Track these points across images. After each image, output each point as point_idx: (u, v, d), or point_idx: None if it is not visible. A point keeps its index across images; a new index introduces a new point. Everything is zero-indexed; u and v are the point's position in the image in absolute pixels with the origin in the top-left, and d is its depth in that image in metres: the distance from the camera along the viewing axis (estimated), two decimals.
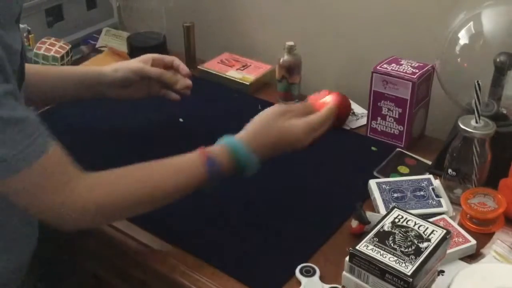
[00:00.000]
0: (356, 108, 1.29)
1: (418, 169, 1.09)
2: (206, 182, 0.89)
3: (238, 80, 1.39)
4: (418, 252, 0.78)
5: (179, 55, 1.52)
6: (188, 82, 1.16)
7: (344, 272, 0.81)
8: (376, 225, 0.83)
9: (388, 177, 1.06)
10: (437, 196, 0.99)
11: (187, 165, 0.90)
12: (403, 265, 0.76)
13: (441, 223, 0.92)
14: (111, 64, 1.15)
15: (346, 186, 1.06)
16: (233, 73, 1.41)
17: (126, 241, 0.95)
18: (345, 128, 1.23)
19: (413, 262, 0.76)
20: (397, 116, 1.14)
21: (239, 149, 0.92)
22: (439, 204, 0.97)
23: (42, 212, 0.81)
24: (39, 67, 1.22)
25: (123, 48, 1.54)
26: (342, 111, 1.22)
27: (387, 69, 1.12)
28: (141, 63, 1.13)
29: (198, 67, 1.45)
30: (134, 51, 1.52)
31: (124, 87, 1.13)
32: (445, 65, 1.09)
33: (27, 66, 1.07)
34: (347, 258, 0.80)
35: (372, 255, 0.77)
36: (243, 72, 1.41)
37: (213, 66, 1.44)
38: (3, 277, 0.93)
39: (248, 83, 1.37)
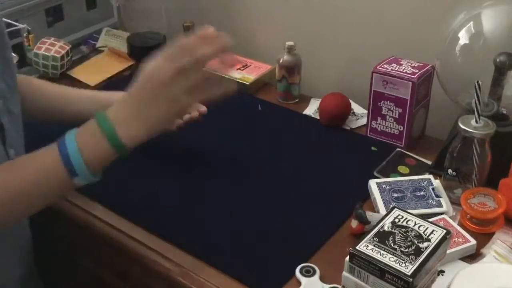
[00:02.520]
0: (356, 108, 1.29)
1: (418, 169, 1.09)
2: (64, 166, 0.78)
3: (238, 80, 1.38)
4: (418, 252, 0.78)
5: None
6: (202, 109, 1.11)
7: (344, 272, 0.81)
8: (376, 225, 0.83)
9: (388, 177, 1.06)
10: (437, 196, 0.99)
11: (41, 154, 0.81)
12: (403, 265, 0.76)
13: (441, 223, 0.92)
14: None
15: (346, 186, 1.06)
16: (233, 73, 1.41)
17: (126, 241, 0.95)
18: (345, 128, 1.24)
19: (413, 262, 0.76)
20: (397, 116, 1.14)
21: (100, 118, 0.79)
22: (439, 204, 0.97)
23: None
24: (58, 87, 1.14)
25: (123, 48, 1.54)
26: (342, 111, 1.23)
27: (387, 69, 1.12)
28: None
29: None
30: (134, 51, 1.52)
31: None
32: (445, 65, 1.09)
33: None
34: (347, 258, 0.80)
35: (372, 255, 0.77)
36: (243, 72, 1.41)
37: (213, 66, 1.44)
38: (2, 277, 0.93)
39: (248, 83, 1.37)
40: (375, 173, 1.08)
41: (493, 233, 0.94)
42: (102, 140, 0.78)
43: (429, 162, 1.10)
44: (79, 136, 0.79)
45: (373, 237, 0.80)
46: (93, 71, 1.45)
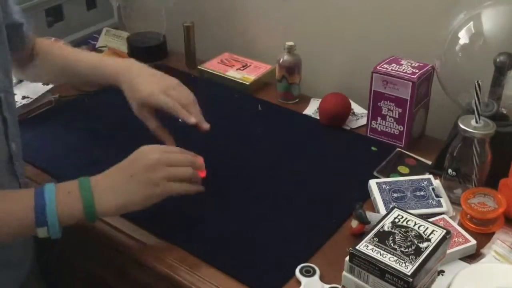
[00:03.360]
0: (356, 108, 1.29)
1: (418, 169, 1.09)
2: (35, 216, 0.80)
3: (238, 80, 1.39)
4: (418, 252, 0.78)
5: (179, 55, 1.53)
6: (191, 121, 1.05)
7: (344, 272, 0.81)
8: (376, 225, 0.83)
9: (388, 177, 1.06)
10: (437, 196, 0.99)
11: (15, 196, 0.84)
12: (403, 265, 0.76)
13: (441, 223, 0.92)
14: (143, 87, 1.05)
15: (346, 186, 1.06)
16: (233, 73, 1.41)
17: (126, 241, 0.95)
18: (345, 128, 1.24)
19: (413, 262, 0.76)
20: (397, 116, 1.14)
21: (83, 181, 0.85)
22: (439, 204, 0.97)
23: None
24: (61, 52, 1.17)
25: (123, 48, 1.55)
26: (342, 111, 1.23)
27: (387, 69, 1.12)
28: (154, 93, 1.03)
29: (198, 67, 1.45)
30: (134, 51, 1.53)
31: None
32: (445, 65, 1.09)
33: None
34: (347, 258, 0.80)
35: (372, 255, 0.77)
36: (243, 72, 1.41)
37: (213, 66, 1.44)
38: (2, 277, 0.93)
39: (248, 83, 1.37)
40: (375, 173, 1.08)
41: (493, 233, 0.94)
42: (77, 201, 0.83)
43: (429, 162, 1.10)
44: (58, 191, 0.83)
45: (373, 237, 0.80)
46: None
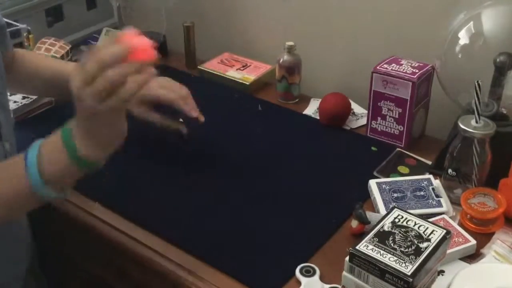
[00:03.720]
0: (356, 108, 1.29)
1: (418, 169, 1.09)
2: (28, 178, 0.76)
3: (238, 80, 1.39)
4: (418, 252, 0.78)
5: (179, 55, 1.53)
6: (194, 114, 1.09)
7: (344, 272, 0.81)
8: (376, 225, 0.83)
9: (388, 177, 1.06)
10: (437, 196, 0.99)
11: (7, 163, 0.81)
12: (403, 265, 0.76)
13: (441, 223, 0.92)
14: None
15: (346, 186, 1.06)
16: (233, 73, 1.41)
17: (126, 241, 0.95)
18: (345, 128, 1.24)
19: (413, 262, 0.76)
20: (397, 116, 1.14)
21: (64, 129, 0.77)
22: (439, 204, 0.97)
23: None
24: (54, 61, 1.17)
25: None
26: (342, 111, 1.23)
27: (387, 69, 1.12)
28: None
29: (198, 67, 1.45)
30: None
31: None
32: (445, 65, 1.09)
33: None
34: (347, 258, 0.80)
35: (372, 255, 0.77)
36: (243, 72, 1.41)
37: (213, 66, 1.44)
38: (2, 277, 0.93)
39: (248, 83, 1.37)
40: (375, 173, 1.08)
41: (493, 233, 0.94)
42: (62, 150, 0.76)
43: (429, 162, 1.10)
44: (43, 146, 0.78)
45: (373, 237, 0.80)
46: None
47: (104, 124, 0.75)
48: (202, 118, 1.10)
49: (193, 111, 1.09)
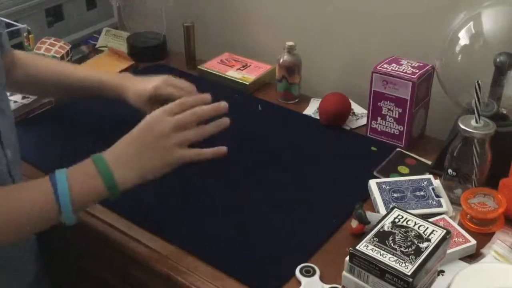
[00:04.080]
0: (356, 108, 1.29)
1: (418, 169, 1.09)
2: (56, 202, 0.80)
3: (238, 80, 1.39)
4: (418, 252, 0.78)
5: (179, 55, 1.53)
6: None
7: (344, 272, 0.81)
8: (376, 225, 0.83)
9: (388, 177, 1.06)
10: (437, 196, 0.99)
11: (32, 184, 0.83)
12: (403, 265, 0.76)
13: (441, 223, 0.92)
14: (130, 81, 1.12)
15: (346, 186, 1.06)
16: (233, 73, 1.41)
17: (126, 241, 0.95)
18: (345, 128, 1.24)
19: (413, 262, 0.76)
20: (397, 116, 1.14)
21: (97, 158, 0.85)
22: (439, 204, 0.97)
23: None
24: (55, 64, 1.19)
25: (123, 48, 1.55)
26: (342, 111, 1.23)
27: (387, 69, 1.12)
28: (160, 83, 1.08)
29: (198, 67, 1.45)
30: (134, 51, 1.53)
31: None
32: (445, 65, 1.09)
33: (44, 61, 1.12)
34: (347, 258, 0.80)
35: (372, 255, 0.77)
36: (243, 72, 1.41)
37: (213, 66, 1.44)
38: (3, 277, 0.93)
39: (248, 83, 1.37)
40: (375, 173, 1.08)
41: (493, 233, 0.94)
42: (96, 180, 0.82)
43: (429, 162, 1.10)
44: (71, 174, 0.81)
45: (373, 237, 0.80)
46: None
47: (157, 158, 0.87)
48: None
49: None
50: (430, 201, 0.98)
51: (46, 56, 1.37)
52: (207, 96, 0.95)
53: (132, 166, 0.85)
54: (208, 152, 0.93)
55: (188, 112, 0.90)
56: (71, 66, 1.20)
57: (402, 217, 0.84)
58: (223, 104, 0.94)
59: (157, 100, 1.07)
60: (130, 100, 1.11)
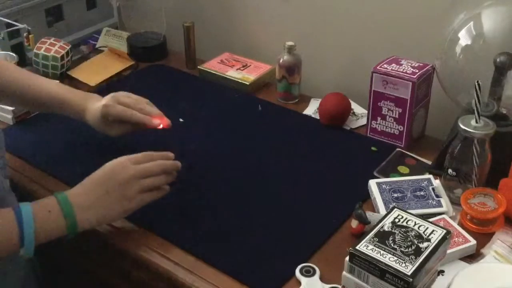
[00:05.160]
0: (356, 108, 1.29)
1: (418, 169, 1.09)
2: (19, 234, 0.82)
3: (238, 80, 1.39)
4: (418, 252, 0.78)
5: (179, 55, 1.53)
6: (155, 122, 1.07)
7: (344, 272, 0.81)
8: (376, 225, 0.83)
9: (388, 177, 1.06)
10: (437, 196, 0.99)
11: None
12: (403, 265, 0.76)
13: (441, 223, 0.92)
14: (90, 104, 1.10)
15: (346, 186, 1.06)
16: (233, 73, 1.41)
17: (126, 242, 0.95)
18: (345, 128, 1.24)
19: (413, 262, 0.76)
20: (397, 116, 1.14)
21: (62, 199, 0.87)
22: (439, 204, 0.97)
23: None
24: (15, 75, 1.11)
25: (123, 48, 1.55)
26: (342, 111, 1.23)
27: (387, 69, 1.12)
28: (108, 102, 1.07)
29: (198, 67, 1.45)
30: (134, 51, 1.53)
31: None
32: (445, 65, 1.09)
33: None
34: (347, 258, 0.80)
35: (372, 255, 0.77)
36: (243, 72, 1.41)
37: (213, 66, 1.44)
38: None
39: (248, 83, 1.37)
40: (375, 173, 1.08)
41: (493, 233, 0.94)
42: (59, 220, 0.85)
43: (429, 162, 1.10)
44: (35, 209, 0.84)
45: (373, 237, 0.80)
46: (93, 71, 1.45)
47: (117, 202, 0.90)
48: (165, 124, 1.07)
49: (156, 121, 1.07)
50: (430, 201, 0.98)
51: (46, 56, 1.37)
52: (171, 154, 0.99)
53: (93, 210, 0.88)
54: (166, 187, 0.96)
55: (152, 163, 0.94)
56: (39, 79, 1.14)
57: (402, 217, 0.84)
58: (178, 164, 0.98)
59: (110, 118, 1.07)
60: (89, 122, 1.10)
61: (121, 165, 0.91)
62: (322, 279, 0.85)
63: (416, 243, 0.79)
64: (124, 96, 1.08)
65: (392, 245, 0.79)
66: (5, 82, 1.09)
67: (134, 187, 0.90)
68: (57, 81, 1.19)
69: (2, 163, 0.95)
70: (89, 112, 1.09)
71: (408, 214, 0.84)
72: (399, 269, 0.75)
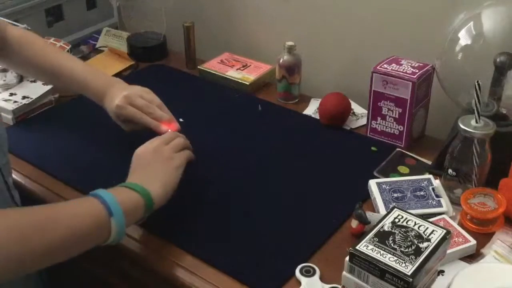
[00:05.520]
0: (356, 108, 1.29)
1: (418, 169, 1.09)
2: (107, 217, 0.81)
3: (238, 80, 1.39)
4: (418, 252, 0.78)
5: (179, 55, 1.53)
6: (163, 129, 1.07)
7: (344, 272, 0.81)
8: (376, 225, 0.83)
9: (388, 177, 1.06)
10: (437, 196, 0.99)
11: (79, 203, 0.83)
12: (403, 265, 0.76)
13: (441, 223, 0.92)
14: (114, 93, 1.10)
15: (346, 186, 1.06)
16: (233, 73, 1.41)
17: (126, 241, 0.95)
18: (345, 128, 1.24)
19: (413, 262, 0.76)
20: (397, 116, 1.14)
21: (127, 183, 0.90)
22: (439, 204, 0.97)
23: None
24: (43, 51, 1.16)
25: (123, 48, 1.55)
26: (342, 111, 1.23)
27: (387, 69, 1.12)
28: (121, 103, 1.08)
29: (198, 67, 1.45)
30: (134, 51, 1.53)
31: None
32: (445, 65, 1.09)
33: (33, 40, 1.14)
34: (347, 258, 0.80)
35: (372, 255, 0.77)
36: (243, 72, 1.41)
37: (213, 66, 1.44)
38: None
39: (248, 83, 1.37)
40: (375, 173, 1.08)
41: (493, 233, 0.94)
42: (136, 197, 0.86)
43: (429, 162, 1.10)
44: (122, 203, 0.84)
45: (373, 237, 0.80)
46: None
47: (175, 175, 0.95)
48: (173, 129, 1.07)
49: (163, 127, 1.07)
50: (430, 201, 0.98)
51: None
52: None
53: (154, 181, 0.91)
54: (192, 154, 1.03)
55: (167, 134, 1.03)
56: (64, 56, 1.18)
57: (402, 217, 0.84)
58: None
59: (121, 118, 1.10)
60: (106, 109, 1.12)
61: (143, 147, 0.98)
62: (322, 279, 0.85)
63: (416, 243, 0.79)
64: (137, 96, 1.09)
65: (392, 245, 0.79)
66: (31, 55, 1.13)
67: (166, 149, 0.97)
68: (83, 61, 1.20)
69: (6, 160, 0.95)
70: (107, 101, 1.10)
71: (408, 214, 0.84)
72: (399, 269, 0.75)
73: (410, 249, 0.78)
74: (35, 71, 1.17)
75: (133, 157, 0.96)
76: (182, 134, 1.05)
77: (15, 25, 1.37)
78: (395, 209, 0.85)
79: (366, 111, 1.22)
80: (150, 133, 1.08)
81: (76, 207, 0.81)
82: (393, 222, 0.83)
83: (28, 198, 1.03)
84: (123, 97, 1.08)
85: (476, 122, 0.95)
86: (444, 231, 0.81)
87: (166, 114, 1.09)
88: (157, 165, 0.94)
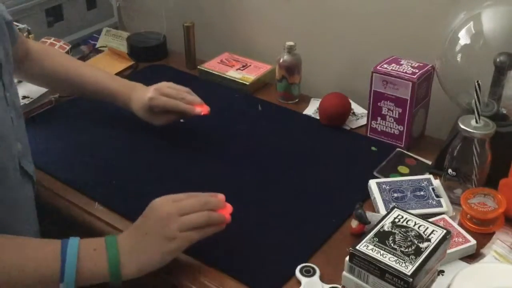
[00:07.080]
0: (356, 108, 1.29)
1: (418, 169, 1.09)
2: (60, 270, 0.78)
3: (238, 80, 1.39)
4: (418, 252, 0.78)
5: (179, 55, 1.53)
6: (197, 111, 1.14)
7: (344, 272, 0.82)
8: (376, 225, 0.83)
9: (388, 177, 1.06)
10: (437, 196, 0.99)
11: (41, 244, 0.82)
12: (403, 265, 0.76)
13: (441, 223, 0.92)
14: (135, 92, 1.17)
15: (346, 186, 1.06)
16: (233, 73, 1.41)
17: None
18: (345, 128, 1.24)
19: (413, 262, 0.76)
20: (397, 116, 1.14)
21: (108, 238, 0.83)
22: (439, 204, 0.97)
23: None
24: (64, 63, 1.21)
25: (123, 48, 1.55)
26: (342, 111, 1.23)
27: (387, 69, 1.12)
28: (153, 95, 1.14)
29: (198, 67, 1.45)
30: (134, 51, 1.53)
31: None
32: (445, 65, 1.09)
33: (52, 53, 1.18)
34: (347, 258, 0.80)
35: (372, 255, 0.77)
36: (243, 72, 1.41)
37: (213, 66, 1.44)
38: None
39: (248, 83, 1.37)
40: (375, 173, 1.08)
41: (493, 233, 0.94)
42: (102, 260, 0.81)
43: (429, 162, 1.10)
44: (82, 245, 0.81)
45: (373, 237, 0.80)
46: None
47: (157, 250, 0.82)
48: (205, 111, 1.14)
49: (197, 109, 1.14)
50: (430, 201, 0.98)
51: None
52: (220, 196, 0.91)
53: (136, 256, 0.82)
54: (210, 231, 0.86)
55: (194, 199, 0.87)
56: (86, 68, 1.23)
57: (402, 217, 0.84)
58: (224, 215, 0.89)
59: (156, 110, 1.15)
60: (134, 111, 1.17)
61: (160, 202, 0.85)
62: (322, 279, 0.85)
63: (416, 243, 0.79)
64: (166, 86, 1.16)
65: (392, 245, 0.79)
66: (55, 68, 1.18)
67: (172, 225, 0.82)
68: (103, 71, 1.26)
69: (22, 148, 0.94)
70: (134, 102, 1.16)
71: (408, 214, 0.84)
72: (399, 269, 0.75)
73: (410, 249, 0.78)
74: (57, 83, 1.20)
75: (150, 204, 0.86)
76: (219, 198, 0.90)
77: (15, 25, 1.37)
78: (395, 209, 0.85)
79: (366, 111, 1.22)
80: (151, 133, 1.09)
81: (36, 257, 0.80)
82: (393, 222, 0.83)
83: None
84: (153, 89, 1.14)
85: (476, 122, 0.95)
86: (444, 231, 0.81)
87: (197, 98, 1.15)
88: (153, 240, 0.82)
